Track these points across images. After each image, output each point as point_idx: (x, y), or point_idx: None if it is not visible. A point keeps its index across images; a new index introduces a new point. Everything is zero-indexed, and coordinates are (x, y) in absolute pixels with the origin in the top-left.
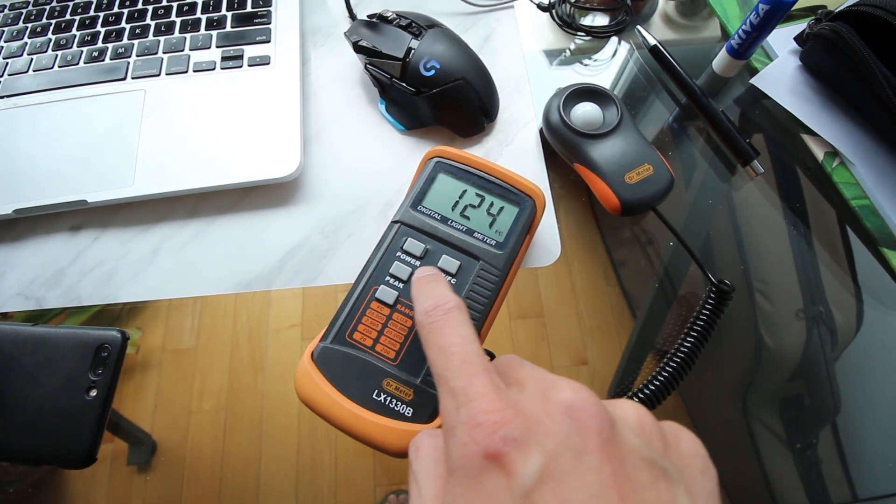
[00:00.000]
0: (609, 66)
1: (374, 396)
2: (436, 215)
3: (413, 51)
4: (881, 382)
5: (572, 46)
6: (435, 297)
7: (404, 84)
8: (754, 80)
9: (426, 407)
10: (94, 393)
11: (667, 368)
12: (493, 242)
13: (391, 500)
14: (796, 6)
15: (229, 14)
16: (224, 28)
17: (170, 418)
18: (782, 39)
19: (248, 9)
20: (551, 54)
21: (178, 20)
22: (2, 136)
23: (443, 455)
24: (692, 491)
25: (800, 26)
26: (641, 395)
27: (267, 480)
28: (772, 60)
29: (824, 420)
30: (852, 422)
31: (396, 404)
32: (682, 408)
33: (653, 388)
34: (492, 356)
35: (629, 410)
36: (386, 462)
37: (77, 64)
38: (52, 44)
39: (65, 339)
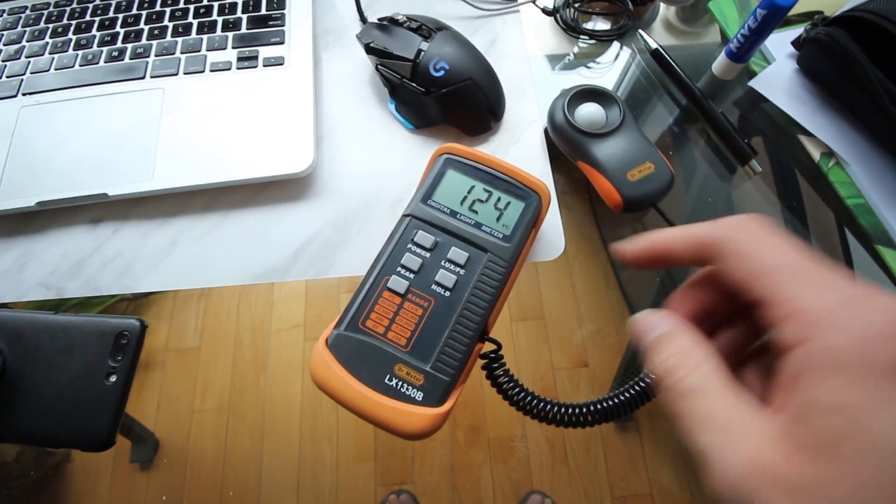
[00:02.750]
0: (612, 68)
1: (385, 381)
2: (445, 209)
3: (423, 52)
4: None
5: (576, 50)
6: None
7: (414, 84)
8: (752, 83)
9: (436, 391)
10: (113, 378)
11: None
12: (501, 235)
13: (392, 500)
14: (794, 11)
15: (244, 16)
16: (240, 30)
17: (173, 417)
18: (780, 43)
19: (263, 11)
20: (555, 57)
21: (196, 22)
22: (25, 132)
23: (719, 363)
24: None
25: (797, 31)
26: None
27: (268, 479)
28: (770, 64)
29: None
30: None
31: (407, 388)
32: None
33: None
34: (498, 345)
35: None
36: (387, 462)
37: (97, 63)
38: (72, 43)
39: (85, 326)
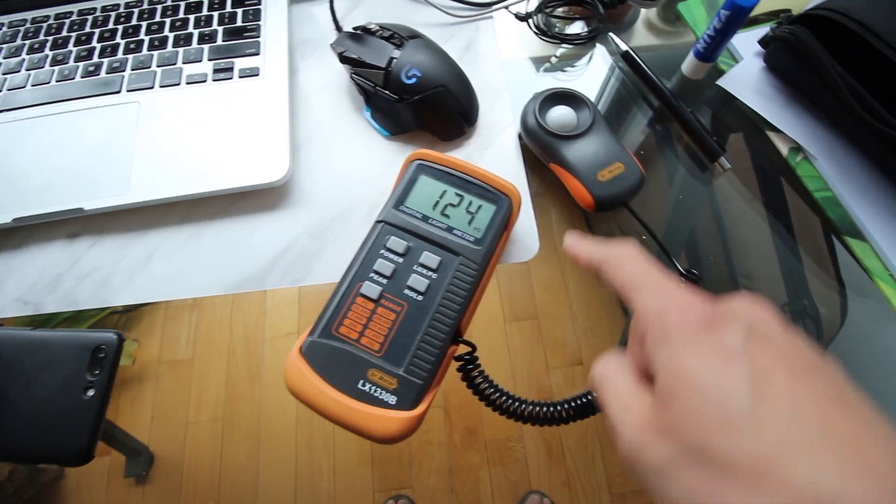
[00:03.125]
0: (586, 71)
1: (359, 386)
2: (417, 214)
3: (395, 60)
4: (867, 375)
5: (550, 53)
6: (610, 247)
7: (387, 92)
8: (720, 82)
9: (409, 395)
10: (91, 392)
11: None
12: (472, 238)
13: None
14: (762, 10)
15: (220, 28)
16: (215, 42)
17: (167, 430)
18: (747, 42)
19: (239, 23)
20: (529, 62)
21: (172, 35)
22: (1, 148)
23: (628, 366)
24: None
25: (763, 30)
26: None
27: (265, 489)
28: (737, 63)
29: None
30: None
31: (380, 393)
32: None
33: None
34: (473, 347)
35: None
36: (385, 468)
37: (74, 78)
38: (49, 59)
39: (63, 341)
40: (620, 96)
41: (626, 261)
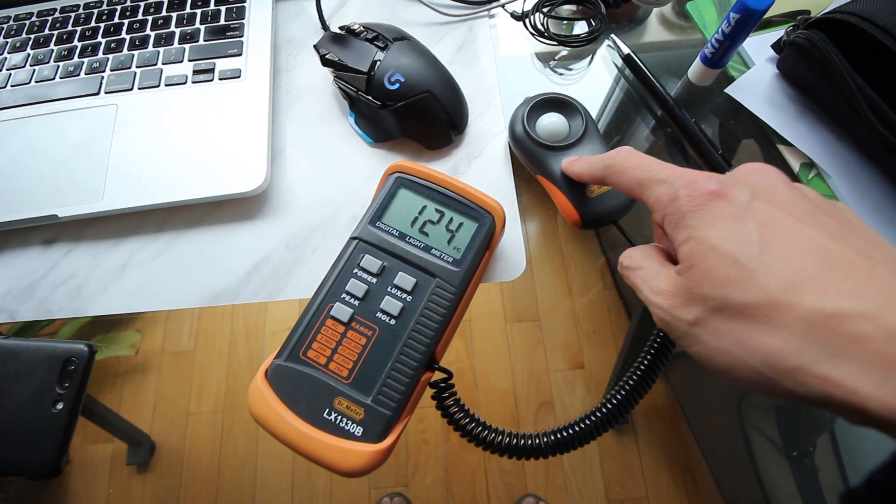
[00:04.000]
0: (586, 75)
1: (324, 415)
2: (394, 231)
3: (378, 64)
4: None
5: (548, 55)
6: (606, 157)
7: (370, 98)
8: (728, 90)
9: (376, 426)
10: (60, 406)
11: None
12: (451, 259)
13: (385, 503)
14: (778, 12)
15: (202, 27)
16: (197, 41)
17: (168, 419)
18: (760, 46)
19: (222, 21)
20: (526, 64)
21: (153, 34)
22: None
23: (652, 252)
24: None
25: (778, 33)
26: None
27: (263, 480)
28: (749, 68)
29: (821, 428)
30: (851, 429)
31: (347, 423)
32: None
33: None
34: (449, 374)
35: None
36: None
37: (53, 79)
38: (30, 59)
39: (34, 352)
40: (623, 103)
41: (625, 165)
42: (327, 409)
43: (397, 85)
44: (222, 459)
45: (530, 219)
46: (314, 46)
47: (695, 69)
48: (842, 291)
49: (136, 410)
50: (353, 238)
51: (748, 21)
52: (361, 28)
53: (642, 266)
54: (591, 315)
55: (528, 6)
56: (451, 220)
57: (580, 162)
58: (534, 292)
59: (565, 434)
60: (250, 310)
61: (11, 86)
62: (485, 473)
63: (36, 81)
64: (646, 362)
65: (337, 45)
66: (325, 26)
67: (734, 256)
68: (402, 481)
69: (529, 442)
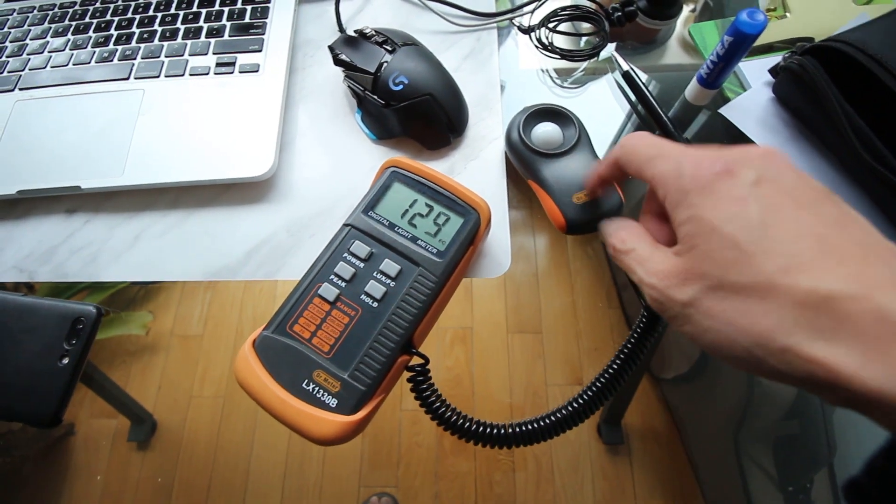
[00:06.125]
0: (588, 89)
1: (303, 385)
2: (385, 221)
3: (385, 66)
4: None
5: (559, 70)
6: (617, 148)
7: (375, 97)
8: (722, 110)
9: (350, 399)
10: (66, 361)
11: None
12: (435, 251)
13: (373, 502)
14: (781, 38)
15: (229, 24)
16: (222, 37)
17: (172, 400)
18: (758, 70)
19: (247, 19)
20: (531, 75)
21: (183, 27)
22: (15, 124)
23: (642, 232)
24: None
25: (776, 58)
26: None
27: (256, 467)
28: (745, 90)
29: (819, 463)
30: (848, 468)
31: (323, 394)
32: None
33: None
34: (425, 359)
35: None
36: (372, 464)
37: (89, 63)
38: (70, 44)
39: (47, 309)
40: (614, 116)
41: (638, 143)
42: (306, 380)
43: (401, 86)
44: (219, 444)
45: (541, 233)
46: (328, 47)
47: (691, 89)
48: (836, 276)
49: (142, 389)
50: (345, 224)
51: (741, 44)
52: (373, 32)
53: (634, 248)
54: (593, 332)
55: (535, 21)
56: (439, 215)
57: (598, 167)
58: (538, 304)
59: (533, 427)
60: (259, 299)
61: (51, 67)
62: (474, 481)
63: (73, 64)
64: (612, 369)
65: (349, 46)
66: (341, 29)
67: (735, 239)
68: (391, 481)
69: (500, 430)
